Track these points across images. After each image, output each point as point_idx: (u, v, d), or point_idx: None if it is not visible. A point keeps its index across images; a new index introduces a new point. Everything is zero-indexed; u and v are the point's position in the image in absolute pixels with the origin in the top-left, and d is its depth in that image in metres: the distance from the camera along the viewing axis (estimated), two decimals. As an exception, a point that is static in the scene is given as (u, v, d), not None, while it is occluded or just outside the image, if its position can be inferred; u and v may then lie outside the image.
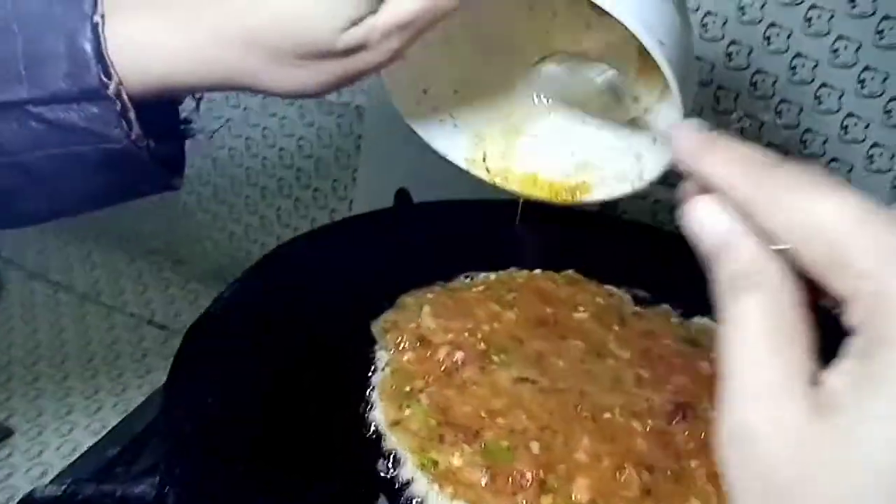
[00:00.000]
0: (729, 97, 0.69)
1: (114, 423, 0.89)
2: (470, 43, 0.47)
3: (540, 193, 0.47)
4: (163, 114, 0.41)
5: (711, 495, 0.42)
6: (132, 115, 0.38)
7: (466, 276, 0.58)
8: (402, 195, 0.71)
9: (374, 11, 0.38)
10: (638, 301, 0.57)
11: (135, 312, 1.08)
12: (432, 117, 0.46)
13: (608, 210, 0.79)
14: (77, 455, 0.86)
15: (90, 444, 0.86)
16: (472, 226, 0.64)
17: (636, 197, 0.79)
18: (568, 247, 0.63)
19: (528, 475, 0.41)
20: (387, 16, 0.38)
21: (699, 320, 0.56)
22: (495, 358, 0.49)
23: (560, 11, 0.46)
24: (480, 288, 0.56)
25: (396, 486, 0.42)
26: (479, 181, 0.48)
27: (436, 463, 0.42)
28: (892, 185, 0.66)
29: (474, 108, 0.47)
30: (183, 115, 0.44)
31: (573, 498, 0.41)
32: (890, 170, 0.65)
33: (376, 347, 0.51)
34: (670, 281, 0.59)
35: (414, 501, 0.41)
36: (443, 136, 0.47)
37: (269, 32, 0.38)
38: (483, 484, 0.41)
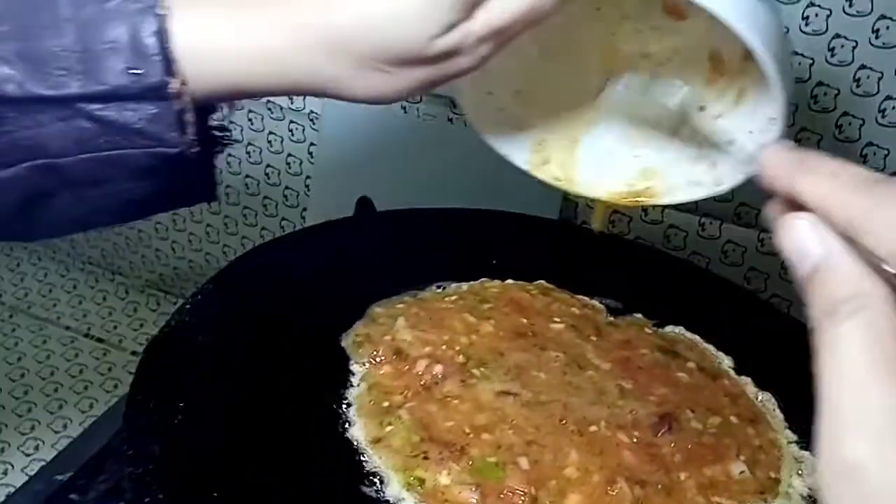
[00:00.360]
0: (829, 95, 0.66)
1: (50, 441, 0.84)
2: (534, 45, 0.46)
3: (604, 197, 0.46)
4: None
5: (703, 508, 0.41)
6: (189, 117, 0.35)
7: (438, 287, 0.57)
8: (363, 203, 0.69)
9: (467, 17, 0.35)
10: (610, 311, 0.57)
11: (70, 325, 1.02)
12: (495, 119, 0.45)
13: (570, 218, 0.79)
14: (8, 477, 0.81)
15: (24, 466, 0.82)
16: (438, 235, 0.63)
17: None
18: (533, 256, 0.62)
19: (520, 492, 0.40)
20: (484, 21, 0.35)
21: (673, 329, 0.56)
22: (475, 371, 0.48)
23: (629, 14, 0.45)
24: (453, 298, 0.55)
25: (383, 508, 0.40)
26: (544, 183, 0.47)
27: (422, 481, 0.41)
28: None
29: (536, 112, 0.46)
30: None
31: (566, 514, 0.40)
32: None
33: (350, 362, 0.49)
34: (639, 290, 0.59)
35: (402, 522, 0.39)
36: (505, 138, 0.45)
37: (357, 37, 0.35)
38: (473, 502, 0.40)
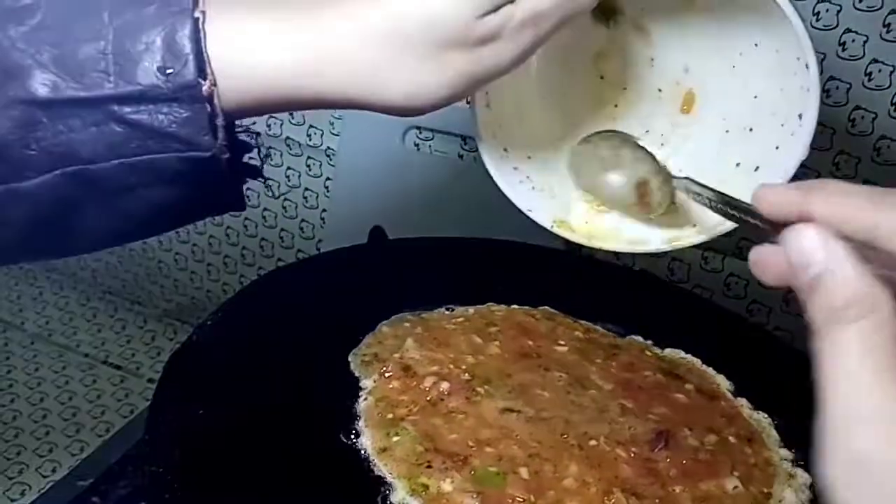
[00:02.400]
0: (841, 89, 0.67)
1: (68, 464, 0.86)
2: (540, 110, 0.50)
3: (627, 248, 0.49)
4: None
5: (698, 519, 0.43)
6: (220, 121, 0.35)
7: (448, 309, 0.59)
8: (377, 233, 0.72)
9: (511, 1, 0.37)
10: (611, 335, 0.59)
11: (89, 353, 1.05)
12: (514, 177, 0.48)
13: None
14: (25, 498, 0.83)
15: (41, 488, 0.83)
16: (447, 262, 0.65)
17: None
18: (538, 284, 0.64)
19: (520, 499, 0.42)
20: (525, 4, 0.37)
21: (671, 352, 0.57)
22: (480, 389, 0.50)
23: (630, 87, 0.50)
24: (459, 320, 0.57)
25: (388, 512, 0.42)
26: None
27: (426, 487, 0.42)
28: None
29: (549, 174, 0.50)
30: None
31: (563, 522, 0.41)
32: None
33: (359, 377, 0.51)
34: (641, 318, 0.61)
35: (406, 527, 0.41)
36: (524, 196, 0.48)
37: (404, 16, 0.36)
38: (475, 509, 0.41)
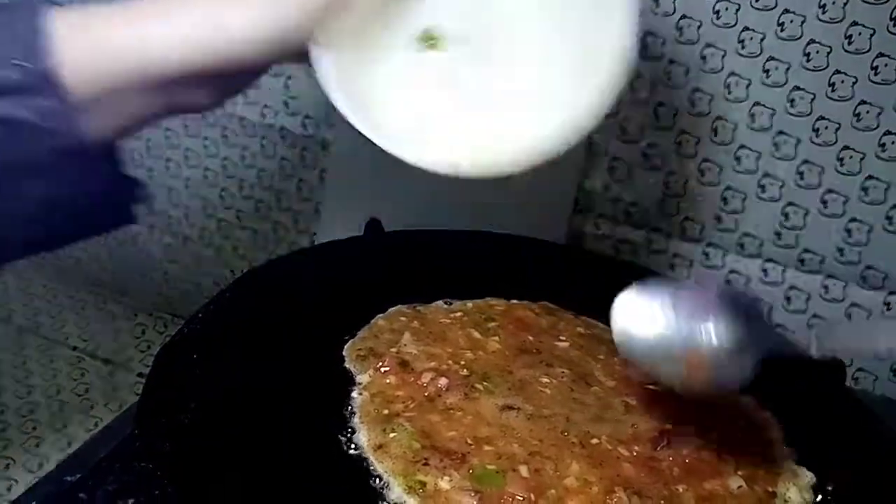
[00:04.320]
0: (847, 83, 0.67)
1: (55, 458, 0.85)
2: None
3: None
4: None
5: (703, 519, 0.41)
6: (83, 106, 0.36)
7: (445, 303, 0.58)
8: (373, 224, 0.70)
9: None
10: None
11: (77, 346, 1.03)
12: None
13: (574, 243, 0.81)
14: (11, 493, 0.81)
15: (28, 482, 0.82)
16: (445, 254, 0.64)
17: (603, 236, 0.80)
18: (537, 278, 0.63)
19: (519, 498, 0.40)
20: None
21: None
22: (479, 385, 0.48)
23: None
24: (458, 314, 0.56)
25: (385, 510, 0.40)
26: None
27: (423, 485, 0.41)
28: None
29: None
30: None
31: (565, 522, 0.40)
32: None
33: (354, 371, 0.50)
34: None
35: (404, 525, 0.40)
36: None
37: None
38: (473, 507, 0.40)
